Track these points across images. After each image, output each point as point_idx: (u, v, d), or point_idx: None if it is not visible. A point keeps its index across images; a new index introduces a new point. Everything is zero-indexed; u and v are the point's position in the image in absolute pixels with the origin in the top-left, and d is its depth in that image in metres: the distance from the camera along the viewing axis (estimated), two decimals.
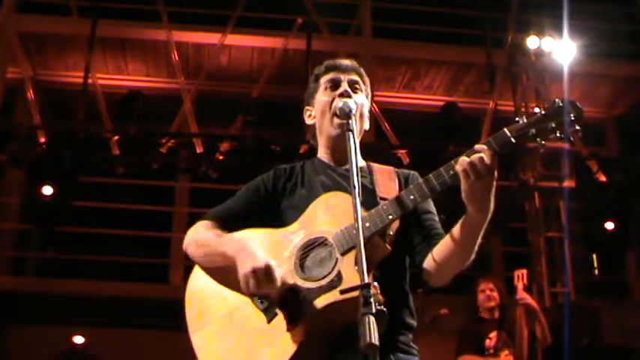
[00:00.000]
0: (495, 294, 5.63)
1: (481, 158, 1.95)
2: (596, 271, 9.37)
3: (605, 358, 7.36)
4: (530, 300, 5.65)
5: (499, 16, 9.18)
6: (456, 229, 2.08)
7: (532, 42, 8.45)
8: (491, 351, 5.40)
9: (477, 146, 2.00)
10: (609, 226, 7.94)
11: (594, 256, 9.18)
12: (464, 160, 1.97)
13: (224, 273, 2.21)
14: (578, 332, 6.88)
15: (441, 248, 2.14)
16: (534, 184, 8.19)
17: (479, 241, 2.08)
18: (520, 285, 5.58)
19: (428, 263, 2.18)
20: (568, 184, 8.06)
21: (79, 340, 7.82)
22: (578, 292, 8.13)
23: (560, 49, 8.33)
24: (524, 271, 5.67)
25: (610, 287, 9.57)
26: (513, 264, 6.71)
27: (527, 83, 8.65)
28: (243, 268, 2.08)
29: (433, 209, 2.32)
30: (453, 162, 2.03)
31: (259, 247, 2.17)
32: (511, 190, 8.01)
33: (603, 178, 8.17)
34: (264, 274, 2.05)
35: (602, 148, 9.65)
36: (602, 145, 9.75)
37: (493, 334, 5.45)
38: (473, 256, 2.11)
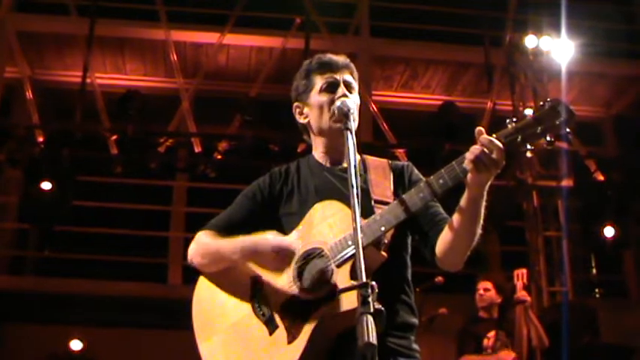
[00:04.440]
0: (490, 293, 5.62)
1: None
2: (594, 271, 9.37)
3: (603, 357, 7.35)
4: (529, 299, 5.64)
5: (497, 15, 9.17)
6: (460, 208, 2.09)
7: (530, 41, 8.45)
8: (489, 350, 5.39)
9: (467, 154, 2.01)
10: (607, 225, 7.93)
11: (592, 256, 9.19)
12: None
13: (232, 273, 2.28)
14: (576, 331, 6.88)
15: (450, 228, 2.13)
16: (532, 183, 8.19)
17: (482, 213, 2.07)
18: (519, 284, 5.57)
19: (439, 248, 2.18)
20: (566, 183, 8.05)
21: (76, 346, 7.72)
22: (576, 291, 8.14)
23: (558, 48, 8.32)
24: (524, 271, 5.65)
25: (608, 286, 9.57)
26: (511, 263, 6.70)
27: (525, 82, 8.63)
28: (265, 249, 2.19)
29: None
30: (432, 179, 2.07)
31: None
32: (509, 189, 8.00)
33: (601, 178, 8.18)
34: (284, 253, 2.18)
35: (601, 148, 9.66)
36: (600, 145, 9.76)
37: (491, 334, 5.44)
38: (479, 232, 2.10)
